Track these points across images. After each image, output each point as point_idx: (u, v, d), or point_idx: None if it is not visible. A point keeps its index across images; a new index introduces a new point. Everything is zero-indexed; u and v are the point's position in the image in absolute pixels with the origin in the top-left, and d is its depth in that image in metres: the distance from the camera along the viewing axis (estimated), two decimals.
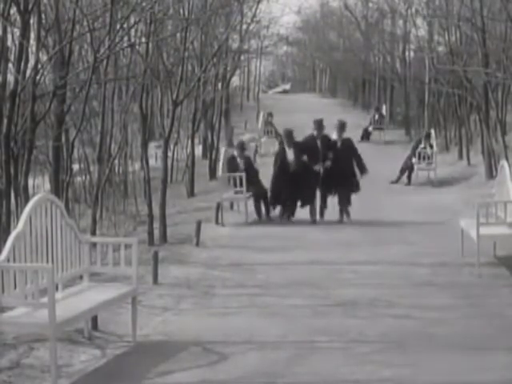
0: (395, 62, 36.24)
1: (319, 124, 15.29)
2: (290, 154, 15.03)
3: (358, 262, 11.19)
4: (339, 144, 15.32)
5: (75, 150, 15.90)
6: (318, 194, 15.03)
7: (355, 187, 15.14)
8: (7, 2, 10.25)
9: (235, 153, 16.04)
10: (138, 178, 19.47)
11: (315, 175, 14.90)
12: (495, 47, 18.83)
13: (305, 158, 14.88)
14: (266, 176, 15.68)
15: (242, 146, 16.44)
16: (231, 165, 15.75)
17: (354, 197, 15.06)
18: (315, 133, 15.22)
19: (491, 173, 19.00)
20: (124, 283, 7.99)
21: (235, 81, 42.30)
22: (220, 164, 16.23)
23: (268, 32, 41.28)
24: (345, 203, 14.95)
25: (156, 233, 13.07)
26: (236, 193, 15.40)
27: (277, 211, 15.23)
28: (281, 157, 15.18)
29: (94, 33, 11.31)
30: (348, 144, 15.45)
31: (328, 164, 14.94)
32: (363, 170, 15.33)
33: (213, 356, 7.08)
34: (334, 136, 15.60)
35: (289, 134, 15.37)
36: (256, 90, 48.61)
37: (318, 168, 14.88)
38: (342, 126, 15.55)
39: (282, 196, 14.96)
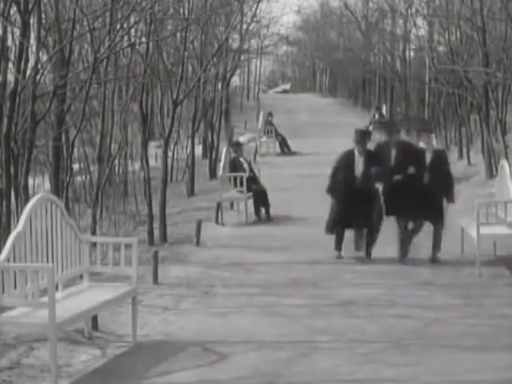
0: (395, 62, 36.29)
1: (361, 135, 11.49)
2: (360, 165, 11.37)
3: (358, 261, 11.20)
4: (429, 156, 11.17)
5: (75, 150, 15.89)
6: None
7: (440, 220, 11.12)
8: (7, 1, 10.25)
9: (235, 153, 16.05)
10: (137, 178, 19.45)
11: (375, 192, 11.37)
12: (495, 47, 18.83)
13: (373, 170, 11.26)
14: (268, 176, 15.65)
15: (237, 145, 16.46)
16: (234, 165, 15.72)
17: None
18: (356, 146, 11.36)
19: (491, 172, 18.99)
20: (124, 283, 7.98)
21: (235, 81, 42.45)
22: (221, 164, 16.20)
23: (268, 32, 41.46)
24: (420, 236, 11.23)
25: (156, 232, 13.06)
26: (238, 192, 15.37)
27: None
28: (345, 165, 11.36)
29: (94, 33, 11.32)
30: (442, 158, 11.37)
31: (396, 178, 11.18)
32: (450, 197, 11.29)
33: (213, 356, 7.07)
34: (421, 144, 11.32)
35: (362, 135, 11.54)
36: (256, 90, 48.77)
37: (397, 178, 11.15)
38: (429, 131, 11.83)
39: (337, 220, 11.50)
